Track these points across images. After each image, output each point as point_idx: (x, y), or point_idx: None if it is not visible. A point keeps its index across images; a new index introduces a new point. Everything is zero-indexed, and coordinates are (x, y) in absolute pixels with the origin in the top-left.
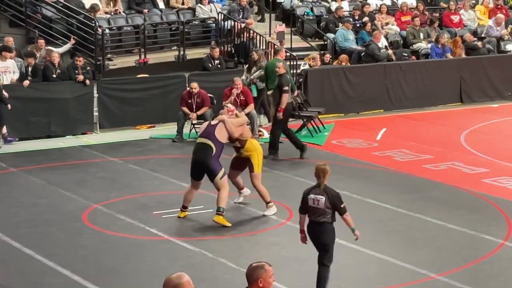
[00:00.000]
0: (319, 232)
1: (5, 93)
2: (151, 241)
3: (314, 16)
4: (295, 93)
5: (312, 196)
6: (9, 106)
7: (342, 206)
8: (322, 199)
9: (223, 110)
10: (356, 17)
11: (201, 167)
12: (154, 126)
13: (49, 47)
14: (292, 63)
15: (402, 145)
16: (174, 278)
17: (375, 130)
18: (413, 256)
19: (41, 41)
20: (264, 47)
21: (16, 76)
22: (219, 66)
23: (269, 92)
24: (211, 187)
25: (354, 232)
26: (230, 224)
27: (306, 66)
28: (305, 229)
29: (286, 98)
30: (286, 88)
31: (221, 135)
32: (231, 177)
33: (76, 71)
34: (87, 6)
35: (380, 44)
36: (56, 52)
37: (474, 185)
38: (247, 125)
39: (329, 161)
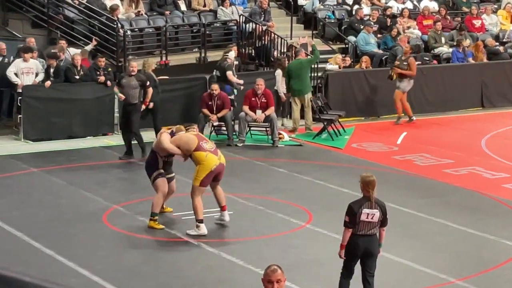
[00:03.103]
0: (372, 245)
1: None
2: (171, 243)
3: (336, 20)
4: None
5: (366, 210)
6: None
7: (387, 218)
8: (377, 213)
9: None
10: (374, 19)
11: None
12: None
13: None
14: (313, 66)
15: (423, 149)
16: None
17: (396, 134)
18: (433, 260)
19: (63, 42)
20: (284, 50)
21: (40, 77)
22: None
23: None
24: (230, 188)
25: (380, 247)
26: (163, 227)
27: (332, 66)
28: (351, 243)
29: (151, 92)
30: (148, 83)
31: (156, 143)
32: (211, 187)
33: (98, 72)
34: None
35: None
36: (78, 54)
37: (495, 190)
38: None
39: (349, 164)
